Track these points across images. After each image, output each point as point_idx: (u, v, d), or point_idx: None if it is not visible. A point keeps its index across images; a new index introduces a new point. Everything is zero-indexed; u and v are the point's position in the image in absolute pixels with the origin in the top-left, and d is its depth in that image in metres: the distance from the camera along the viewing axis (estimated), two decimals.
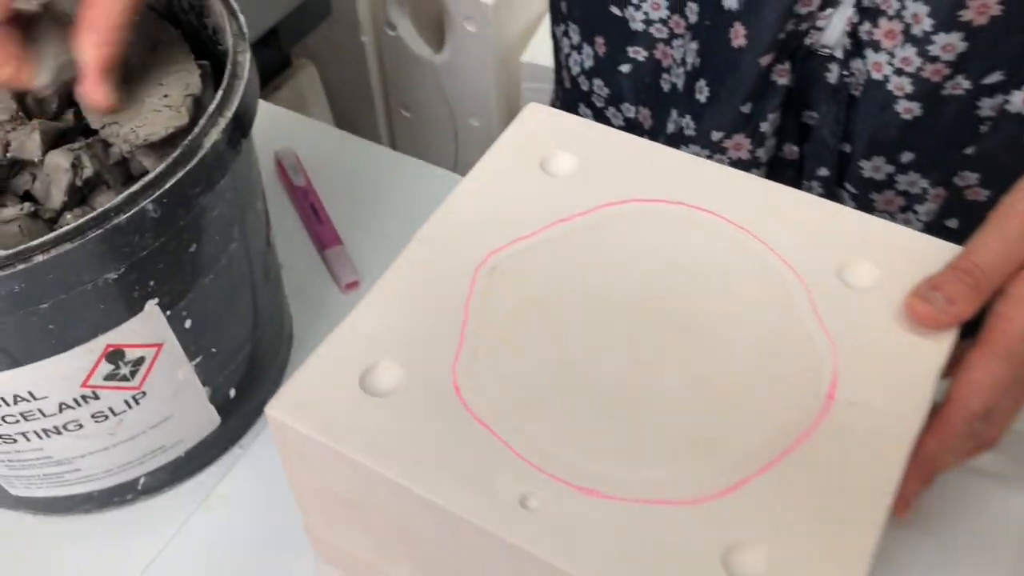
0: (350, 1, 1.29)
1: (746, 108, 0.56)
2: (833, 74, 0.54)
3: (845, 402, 0.39)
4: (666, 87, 0.61)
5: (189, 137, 0.41)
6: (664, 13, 0.57)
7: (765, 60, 0.53)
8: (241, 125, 0.44)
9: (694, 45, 0.56)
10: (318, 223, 0.66)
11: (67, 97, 0.47)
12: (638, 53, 0.61)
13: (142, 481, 0.52)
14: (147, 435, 0.49)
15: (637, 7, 0.58)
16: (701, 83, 0.57)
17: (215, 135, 0.42)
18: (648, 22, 0.59)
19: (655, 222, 0.46)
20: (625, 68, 0.62)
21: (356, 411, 0.40)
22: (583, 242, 0.45)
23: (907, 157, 0.54)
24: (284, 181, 0.69)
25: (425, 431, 0.39)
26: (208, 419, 0.52)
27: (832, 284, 0.43)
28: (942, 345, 0.41)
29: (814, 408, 0.39)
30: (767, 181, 0.48)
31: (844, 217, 0.46)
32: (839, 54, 0.53)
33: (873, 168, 0.55)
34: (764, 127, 0.56)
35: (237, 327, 0.52)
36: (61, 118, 0.46)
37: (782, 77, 0.54)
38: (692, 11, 0.56)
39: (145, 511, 0.53)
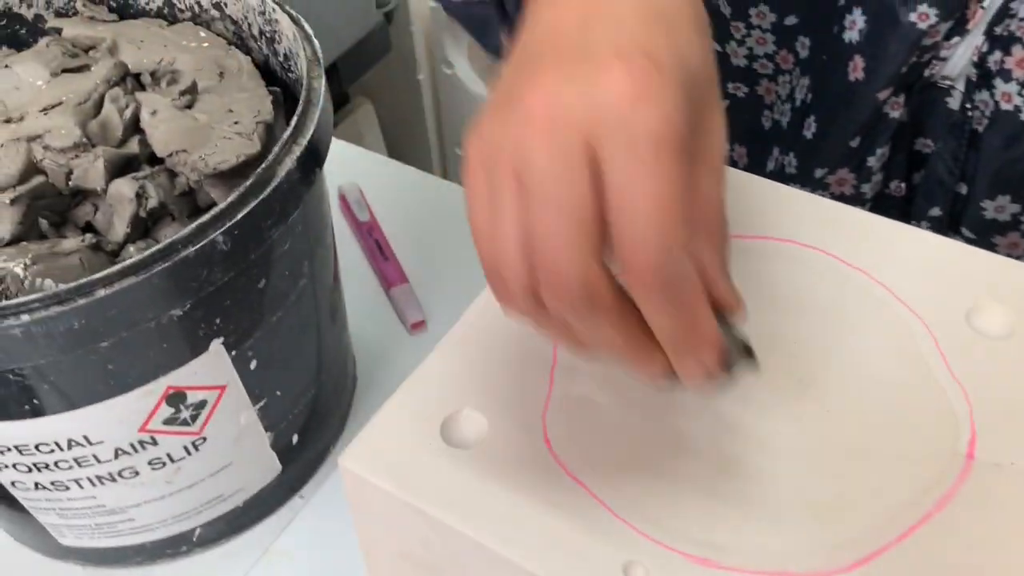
0: (407, 39, 1.28)
1: (855, 142, 0.52)
2: (954, 106, 0.50)
3: (989, 464, 0.35)
4: (767, 124, 0.57)
5: (263, 166, 0.38)
6: (771, 48, 0.54)
7: (883, 94, 0.50)
8: (316, 154, 0.41)
9: (806, 80, 0.53)
10: (383, 260, 0.63)
11: (133, 124, 0.44)
12: (738, 89, 0.57)
13: (198, 532, 0.49)
14: (205, 483, 0.46)
15: (740, 42, 0.55)
16: (810, 119, 0.54)
17: (289, 163, 0.39)
18: (752, 57, 0.55)
19: (762, 261, 0.42)
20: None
21: (437, 464, 0.36)
22: None
23: None
24: (347, 216, 0.67)
25: (515, 488, 0.35)
26: (269, 466, 0.49)
27: (962, 331, 0.39)
28: None
29: (952, 469, 0.35)
30: (881, 217, 0.44)
31: (970, 256, 0.42)
32: (960, 85, 0.49)
33: (996, 208, 0.51)
34: (871, 161, 0.52)
35: (303, 369, 0.48)
36: (125, 145, 0.44)
37: (895, 110, 0.51)
38: (803, 45, 0.52)
39: (200, 564, 0.50)
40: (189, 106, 0.44)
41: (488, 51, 0.54)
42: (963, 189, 0.52)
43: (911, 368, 0.38)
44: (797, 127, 0.55)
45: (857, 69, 0.49)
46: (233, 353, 0.42)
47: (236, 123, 0.43)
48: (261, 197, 0.38)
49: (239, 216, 0.37)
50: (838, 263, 0.42)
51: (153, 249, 0.35)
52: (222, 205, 0.37)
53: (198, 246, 0.36)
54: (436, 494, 0.35)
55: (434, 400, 0.38)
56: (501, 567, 0.34)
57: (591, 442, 0.36)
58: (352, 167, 0.71)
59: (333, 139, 0.75)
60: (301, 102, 0.41)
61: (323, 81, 0.43)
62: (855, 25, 0.49)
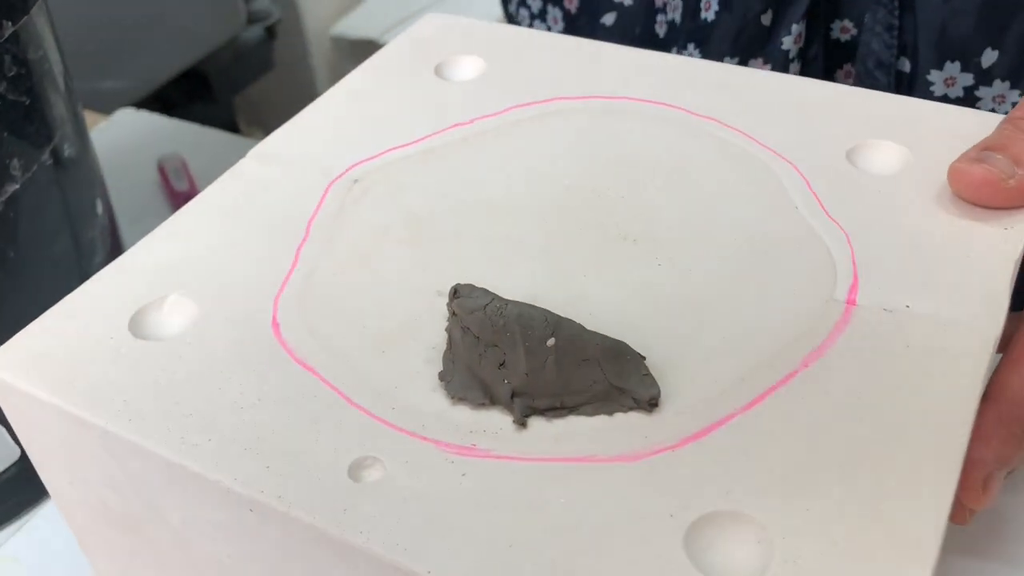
0: (308, 74, 1.21)
1: (766, 18, 0.43)
2: None
3: (875, 309, 0.25)
4: (662, 31, 0.48)
5: None
6: None
7: None
8: None
9: None
10: None
11: None
12: None
13: None
14: None
15: None
16: None
17: None
18: None
19: (587, 119, 0.33)
20: (608, 19, 0.49)
21: (118, 362, 0.26)
22: (486, 147, 0.32)
23: (990, 58, 0.40)
24: (167, 188, 0.57)
25: (221, 383, 0.25)
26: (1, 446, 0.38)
27: (842, 171, 0.30)
28: (1018, 232, 0.27)
29: (828, 318, 0.25)
30: (745, 68, 0.35)
31: (850, 96, 0.33)
32: None
33: (947, 82, 0.41)
34: (787, 43, 0.43)
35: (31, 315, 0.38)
36: None
37: None
38: None
39: None
40: None
41: None
42: (906, 66, 0.43)
43: (777, 214, 0.29)
44: (693, 14, 0.45)
45: None
46: None
47: None
48: None
49: None
50: (680, 112, 0.33)
51: None
52: None
53: None
54: (108, 399, 0.25)
55: (130, 289, 0.28)
56: (195, 490, 0.24)
57: (334, 326, 0.26)
58: (183, 142, 0.62)
59: (163, 117, 0.67)
60: None
61: None
62: None
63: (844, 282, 0.26)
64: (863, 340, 0.24)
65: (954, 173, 0.28)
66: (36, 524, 0.39)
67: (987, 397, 0.25)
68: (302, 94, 1.22)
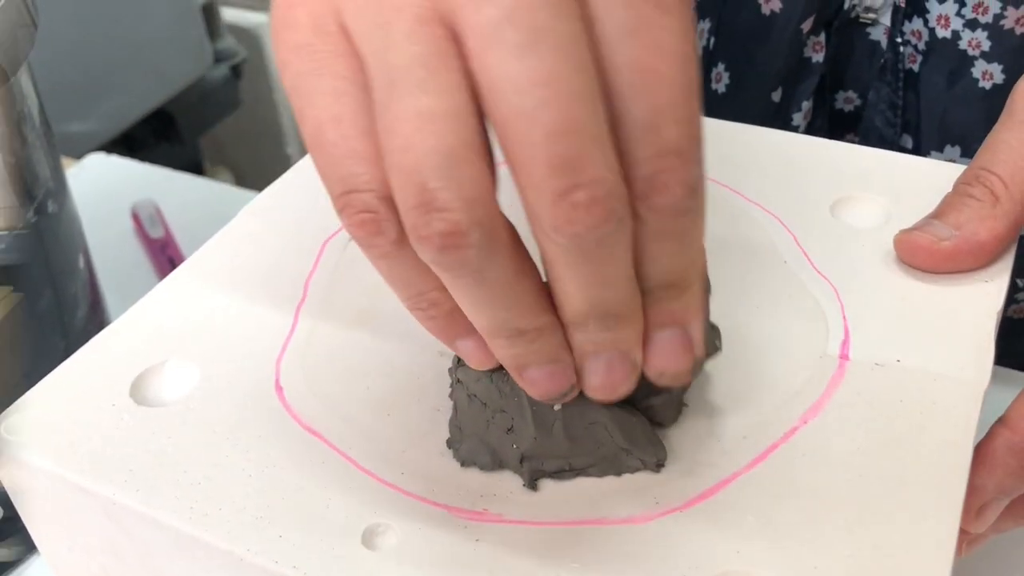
0: (273, 112, 1.21)
1: (776, 95, 0.44)
2: (881, 45, 0.42)
3: (868, 364, 0.26)
4: None
5: None
6: None
7: (805, 25, 0.42)
8: None
9: (706, 24, 0.45)
10: None
11: None
12: None
13: None
14: None
15: None
16: (719, 68, 0.45)
17: None
18: None
19: None
20: None
21: (120, 429, 0.26)
22: None
23: None
24: (141, 235, 0.57)
25: (227, 449, 0.25)
26: None
27: (825, 223, 0.31)
28: (998, 284, 0.28)
29: (823, 373, 0.26)
30: (726, 121, 0.36)
31: (831, 150, 0.34)
32: (886, 19, 0.42)
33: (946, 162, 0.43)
34: (797, 119, 0.44)
35: (10, 373, 0.37)
36: None
37: (817, 52, 0.43)
38: None
39: None
40: None
41: None
42: (908, 143, 0.45)
43: (767, 269, 0.29)
44: (704, 82, 0.46)
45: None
46: None
47: None
48: None
49: None
50: None
51: None
52: None
53: None
54: (114, 468, 0.25)
55: (130, 353, 0.28)
56: (205, 558, 0.23)
57: (338, 387, 0.26)
58: (157, 188, 0.62)
59: (133, 161, 0.66)
60: None
61: None
62: None
63: (836, 336, 0.27)
64: (858, 396, 0.25)
65: (897, 243, 0.29)
66: None
67: (1002, 422, 0.26)
68: (267, 133, 1.22)
